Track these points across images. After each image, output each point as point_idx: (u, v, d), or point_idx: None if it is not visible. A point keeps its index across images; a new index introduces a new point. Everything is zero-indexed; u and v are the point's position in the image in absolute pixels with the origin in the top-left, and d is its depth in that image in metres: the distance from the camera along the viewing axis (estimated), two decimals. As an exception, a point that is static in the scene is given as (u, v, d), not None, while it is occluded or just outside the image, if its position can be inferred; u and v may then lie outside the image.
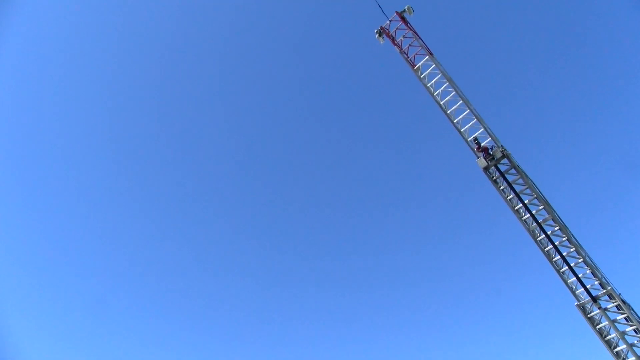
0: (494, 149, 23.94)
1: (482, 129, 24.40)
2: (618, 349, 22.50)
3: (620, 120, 61.94)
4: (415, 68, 26.51)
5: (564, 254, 23.03)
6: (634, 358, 22.10)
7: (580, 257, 22.80)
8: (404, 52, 26.98)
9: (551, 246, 23.32)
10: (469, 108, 24.62)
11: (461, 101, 24.90)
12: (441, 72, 25.53)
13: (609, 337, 22.67)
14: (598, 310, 22.63)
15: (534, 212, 23.42)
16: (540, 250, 23.66)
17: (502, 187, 24.30)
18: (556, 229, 23.16)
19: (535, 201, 23.48)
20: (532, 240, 23.77)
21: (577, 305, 23.07)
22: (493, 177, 24.45)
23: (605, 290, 22.41)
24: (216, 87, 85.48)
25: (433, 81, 25.83)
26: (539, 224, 23.36)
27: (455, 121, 25.13)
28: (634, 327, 22.02)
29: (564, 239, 23.08)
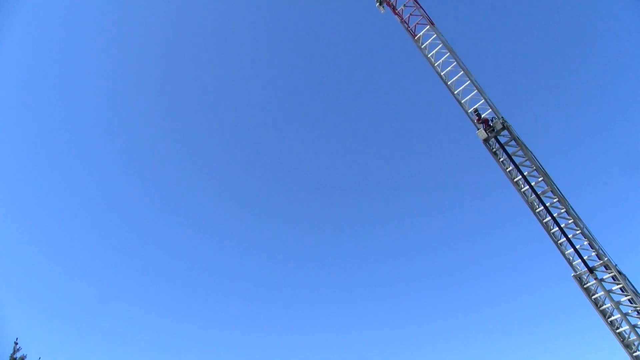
0: (495, 121, 23.79)
1: (483, 100, 24.20)
2: (612, 318, 22.84)
3: (620, 88, 61.72)
4: (416, 38, 26.09)
5: (562, 225, 23.14)
6: (627, 327, 22.49)
7: (578, 228, 22.91)
8: (405, 22, 26.50)
9: (549, 218, 23.40)
10: (470, 79, 24.35)
11: (462, 72, 24.61)
12: (442, 42, 25.14)
13: (604, 307, 22.97)
14: (594, 281, 22.88)
15: (533, 184, 23.43)
16: (538, 222, 23.76)
17: (501, 159, 24.24)
18: (555, 200, 23.21)
19: (535, 173, 23.45)
20: (531, 212, 23.84)
21: (573, 276, 23.31)
22: (493, 149, 24.36)
23: (602, 262, 22.62)
24: (208, 78, 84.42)
25: (434, 52, 25.46)
26: (538, 195, 23.39)
27: (455, 92, 24.88)
28: (628, 297, 22.30)
29: (562, 210, 23.16)
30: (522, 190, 23.90)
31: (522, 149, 23.48)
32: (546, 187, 23.25)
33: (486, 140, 24.14)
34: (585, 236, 22.84)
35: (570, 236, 23.06)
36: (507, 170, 24.14)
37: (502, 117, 23.65)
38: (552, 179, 23.32)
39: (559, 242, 23.44)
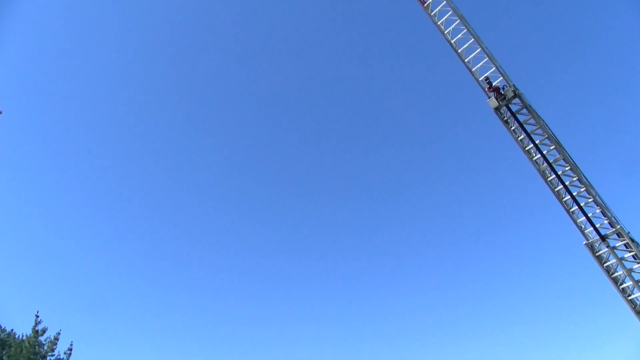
0: (506, 89, 23.40)
1: (494, 68, 23.76)
2: (624, 285, 22.83)
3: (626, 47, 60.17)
4: (425, 5, 25.54)
5: (574, 193, 22.96)
6: (639, 294, 22.49)
7: (590, 196, 22.73)
8: (414, -11, 25.92)
9: (561, 186, 23.22)
10: (480, 46, 23.86)
11: (472, 39, 24.10)
12: (452, 9, 24.56)
13: (616, 274, 22.96)
14: (606, 249, 22.80)
15: (544, 152, 23.17)
16: (550, 191, 23.60)
17: (513, 128, 23.94)
18: (567, 169, 22.98)
19: (547, 141, 23.17)
20: (543, 181, 23.66)
21: (585, 244, 23.23)
22: (504, 117, 24.05)
23: (614, 229, 22.50)
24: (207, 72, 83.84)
25: (444, 19, 24.90)
26: (549, 164, 23.16)
27: (466, 60, 24.44)
28: (641, 264, 22.25)
29: (574, 179, 22.95)
30: (534, 158, 23.67)
31: (533, 117, 23.16)
32: (558, 155, 23.00)
33: (497, 109, 23.82)
34: (597, 204, 22.67)
35: (582, 204, 22.90)
36: (519, 139, 23.87)
37: (513, 85, 23.26)
38: (564, 146, 23.06)
39: (571, 210, 23.31)
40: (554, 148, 22.99)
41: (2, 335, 28.01)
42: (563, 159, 22.94)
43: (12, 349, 27.56)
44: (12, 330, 28.67)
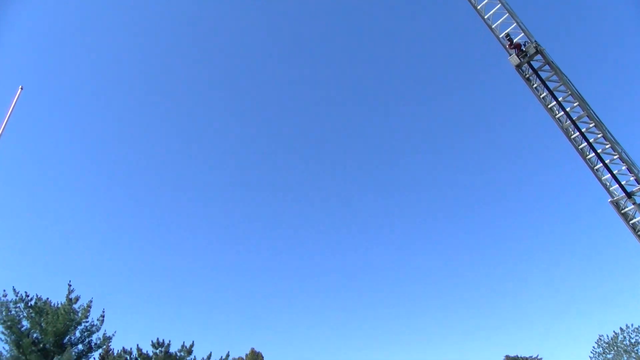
0: (527, 45, 22.71)
1: (515, 24, 23.03)
2: (651, 242, 22.44)
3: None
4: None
5: (599, 151, 22.44)
6: (666, 251, 22.10)
7: (616, 153, 22.18)
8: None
9: (585, 144, 22.70)
10: (500, 2, 23.12)
11: (492, -5, 23.35)
12: (470, -37, 23.78)
13: (643, 231, 22.56)
14: (632, 206, 22.36)
15: (568, 109, 22.60)
16: (573, 148, 23.10)
17: (535, 85, 23.34)
18: (591, 125, 22.40)
19: (570, 98, 22.56)
20: (566, 138, 23.14)
21: (610, 201, 22.81)
22: (526, 75, 23.42)
23: (640, 186, 22.00)
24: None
25: (462, -25, 24.16)
26: (573, 121, 22.60)
27: (486, 17, 23.74)
28: (669, 221, 21.80)
29: (599, 135, 22.38)
30: (557, 116, 23.12)
31: (556, 74, 22.50)
32: (582, 112, 22.40)
33: (519, 66, 23.19)
34: (623, 161, 22.13)
35: (607, 161, 22.39)
36: (541, 96, 23.29)
37: (535, 41, 22.54)
38: (588, 103, 22.43)
39: (595, 168, 22.83)
40: (578, 105, 22.38)
41: (39, 304, 29.24)
42: (587, 116, 22.34)
43: (50, 316, 28.79)
44: (47, 298, 29.88)
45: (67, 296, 30.43)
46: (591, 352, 39.97)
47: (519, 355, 51.76)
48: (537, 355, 51.01)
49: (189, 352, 26.22)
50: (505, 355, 52.76)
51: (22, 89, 15.33)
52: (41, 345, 28.34)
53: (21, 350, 27.33)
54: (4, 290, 28.49)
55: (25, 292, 28.94)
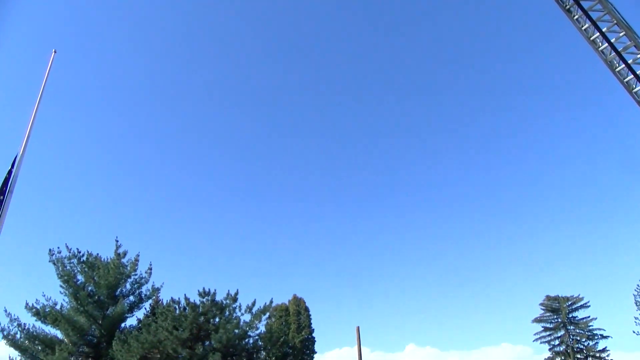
0: (568, -27, 21.30)
1: (554, -50, 21.54)
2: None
3: None
4: None
5: (647, 82, 21.28)
6: None
7: (665, 84, 21.01)
8: None
9: (631, 76, 21.52)
10: None
11: None
12: None
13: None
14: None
15: (612, 40, 21.32)
16: (618, 82, 21.97)
17: (576, 17, 22.00)
18: (638, 56, 21.15)
19: (616, 28, 21.22)
20: (610, 72, 22.00)
21: (657, 136, 21.84)
22: (566, 6, 22.08)
23: (691, 118, 20.89)
24: None
25: None
26: (618, 53, 21.36)
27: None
28: None
29: (648, 66, 21.16)
30: (600, 49, 21.87)
31: (600, 2, 21.11)
32: (628, 42, 21.10)
33: (558, -3, 21.87)
34: (673, 92, 20.97)
35: (656, 93, 21.27)
36: (583, 28, 21.96)
37: (576, -33, 21.09)
38: (636, 32, 21.07)
39: (643, 101, 21.74)
40: (624, 34, 21.06)
41: (90, 259, 30.85)
42: (634, 46, 21.05)
43: (101, 271, 30.41)
44: (97, 254, 31.44)
45: (116, 251, 31.98)
46: (635, 290, 39.54)
47: (560, 295, 51.77)
48: (579, 295, 50.94)
49: (234, 299, 27.36)
50: (546, 295, 52.92)
51: (55, 52, 15.54)
52: (96, 297, 30.17)
53: (79, 302, 29.17)
54: (58, 248, 30.16)
55: (77, 249, 30.57)
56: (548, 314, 52.29)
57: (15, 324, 28.51)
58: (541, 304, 52.86)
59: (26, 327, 28.86)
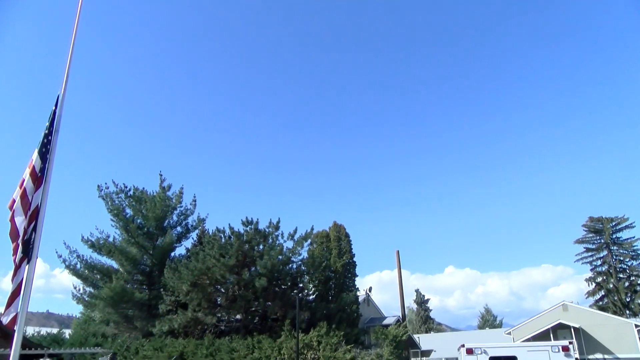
0: None
1: None
2: None
3: None
4: None
5: None
6: None
7: None
8: None
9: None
10: None
11: None
12: None
13: None
14: None
15: None
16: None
17: None
18: None
19: None
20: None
21: None
22: None
23: None
24: None
25: None
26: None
27: None
28: None
29: None
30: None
31: None
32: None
33: None
34: None
35: None
36: None
37: None
38: None
39: None
40: None
41: (137, 193, 32.01)
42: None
43: (148, 204, 31.60)
44: (143, 188, 32.56)
45: (160, 185, 33.03)
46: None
47: (603, 216, 50.75)
48: (624, 215, 49.78)
49: (276, 227, 28.04)
50: (589, 216, 52.00)
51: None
52: (145, 229, 31.62)
53: (130, 234, 30.69)
54: (105, 183, 31.38)
55: (124, 184, 31.73)
56: (591, 235, 51.66)
57: (74, 255, 30.45)
58: (584, 225, 52.16)
59: (84, 258, 30.82)
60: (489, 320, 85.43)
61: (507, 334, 39.15)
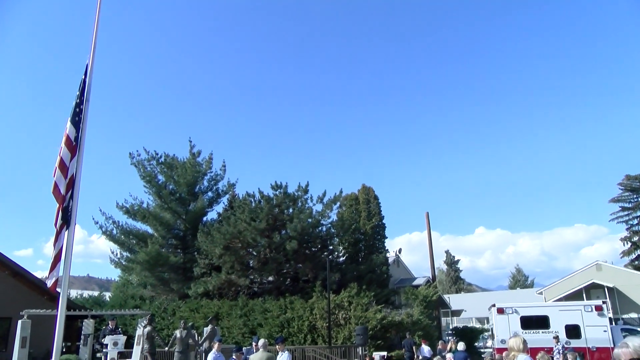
0: None
1: None
2: None
3: None
4: None
5: None
6: None
7: None
8: None
9: None
10: None
11: None
12: None
13: None
14: None
15: None
16: None
17: None
18: None
19: None
20: None
21: None
22: None
23: None
24: None
25: None
26: None
27: None
28: None
29: None
30: None
31: None
32: None
33: None
34: None
35: None
36: None
37: None
38: None
39: None
40: None
41: (168, 160, 32.54)
42: None
43: (179, 170, 32.13)
44: (174, 154, 33.04)
45: (190, 151, 33.45)
46: None
47: (641, 174, 49.19)
48: (663, 172, 48.12)
49: (305, 191, 28.20)
50: (625, 174, 50.45)
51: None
52: (177, 195, 32.28)
53: (163, 200, 31.39)
54: (137, 151, 31.95)
55: (155, 151, 32.26)
56: (627, 194, 50.20)
57: (110, 221, 31.42)
58: (620, 184, 50.64)
59: (120, 224, 31.78)
60: (520, 281, 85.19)
61: (539, 293, 39.02)
